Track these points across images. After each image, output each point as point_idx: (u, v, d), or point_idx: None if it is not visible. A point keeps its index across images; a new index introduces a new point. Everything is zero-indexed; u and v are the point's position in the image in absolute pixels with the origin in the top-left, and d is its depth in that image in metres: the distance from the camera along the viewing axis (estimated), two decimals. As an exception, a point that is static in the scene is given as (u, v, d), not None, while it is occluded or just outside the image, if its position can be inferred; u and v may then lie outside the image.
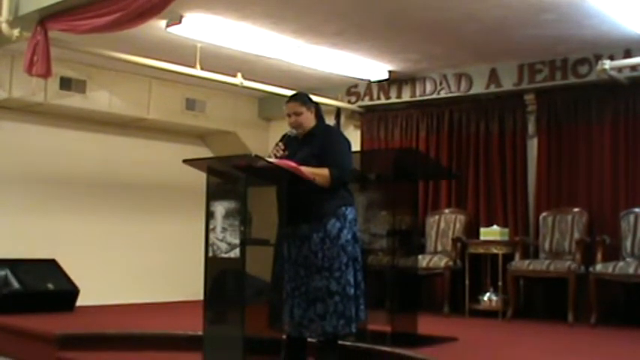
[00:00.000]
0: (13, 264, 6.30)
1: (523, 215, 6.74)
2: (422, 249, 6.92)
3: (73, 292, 6.43)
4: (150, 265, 7.61)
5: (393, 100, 7.45)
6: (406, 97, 7.36)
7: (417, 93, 7.28)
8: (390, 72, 7.12)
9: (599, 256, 5.97)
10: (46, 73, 5.22)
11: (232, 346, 3.72)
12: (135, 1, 4.68)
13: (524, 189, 6.77)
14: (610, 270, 5.76)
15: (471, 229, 6.85)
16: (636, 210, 6.08)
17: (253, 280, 3.90)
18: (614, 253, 6.04)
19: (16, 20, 5.20)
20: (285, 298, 3.91)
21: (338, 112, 7.74)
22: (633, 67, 5.97)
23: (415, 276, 5.30)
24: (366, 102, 7.64)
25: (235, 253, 3.77)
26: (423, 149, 7.23)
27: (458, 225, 6.92)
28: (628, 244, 6.03)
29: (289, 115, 4.07)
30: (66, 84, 6.81)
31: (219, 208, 3.88)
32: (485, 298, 6.49)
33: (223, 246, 3.83)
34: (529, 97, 6.73)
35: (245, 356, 3.67)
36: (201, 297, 3.98)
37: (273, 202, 3.94)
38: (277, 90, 6.98)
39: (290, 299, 3.91)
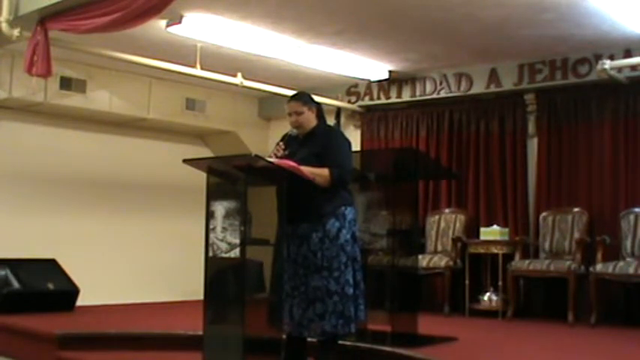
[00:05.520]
0: (13, 264, 6.29)
1: (523, 215, 6.74)
2: (422, 249, 6.92)
3: (73, 291, 6.43)
4: (150, 265, 7.61)
5: (393, 100, 7.45)
6: (406, 97, 7.36)
7: (417, 93, 7.28)
8: (390, 72, 7.11)
9: (599, 256, 5.97)
10: (46, 73, 5.22)
11: (232, 346, 3.72)
12: (135, 1, 4.68)
13: (524, 189, 6.77)
14: (610, 270, 5.76)
15: (471, 229, 6.85)
16: (636, 210, 6.08)
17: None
18: (614, 253, 6.04)
19: (16, 20, 5.20)
20: (285, 298, 3.91)
21: (338, 112, 7.75)
22: (633, 67, 5.97)
23: (415, 276, 5.30)
24: (366, 102, 7.65)
25: (235, 252, 3.77)
26: (423, 149, 7.22)
27: (458, 225, 6.92)
28: (628, 244, 6.03)
29: (290, 115, 4.07)
30: (66, 84, 6.81)
31: (219, 208, 3.88)
32: (486, 298, 6.49)
33: (223, 246, 3.83)
34: (529, 97, 6.73)
35: (245, 356, 3.67)
36: (201, 297, 3.97)
37: (273, 202, 3.94)
38: (277, 90, 6.99)
39: (289, 299, 3.91)
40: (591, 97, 6.46)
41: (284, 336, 4.02)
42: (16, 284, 6.17)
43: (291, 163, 3.81)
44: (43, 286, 6.31)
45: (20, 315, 5.73)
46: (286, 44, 6.16)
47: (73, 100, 6.90)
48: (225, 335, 3.86)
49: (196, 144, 8.40)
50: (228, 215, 3.83)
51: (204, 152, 8.23)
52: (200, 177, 4.07)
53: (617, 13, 5.23)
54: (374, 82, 7.38)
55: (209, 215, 3.92)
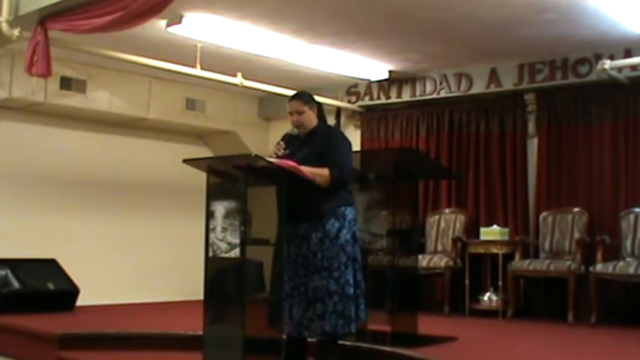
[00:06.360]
0: (13, 264, 6.30)
1: (523, 215, 6.73)
2: (422, 249, 6.92)
3: (73, 291, 6.43)
4: (150, 265, 7.61)
5: (393, 100, 7.45)
6: (406, 97, 7.36)
7: (417, 93, 7.28)
8: (390, 72, 7.11)
9: (599, 256, 5.97)
10: (47, 73, 5.22)
11: (232, 345, 3.72)
12: (135, 1, 4.68)
13: (524, 189, 6.77)
14: (610, 270, 5.76)
15: (471, 229, 6.85)
16: (636, 210, 6.08)
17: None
18: (614, 253, 6.04)
19: (16, 20, 5.20)
20: (285, 298, 3.91)
21: (338, 112, 7.75)
22: (633, 67, 5.97)
23: (415, 276, 5.30)
24: (366, 102, 7.64)
25: (235, 252, 3.77)
26: (423, 149, 7.22)
27: (458, 225, 6.92)
28: (628, 244, 6.02)
29: (291, 114, 4.08)
30: (66, 84, 6.81)
31: (219, 207, 3.88)
32: (486, 298, 6.49)
33: (223, 246, 3.83)
34: (529, 97, 6.73)
35: (245, 356, 3.67)
36: (201, 297, 3.97)
37: (273, 201, 3.94)
38: (277, 90, 6.99)
39: (289, 299, 3.91)
40: (591, 97, 6.46)
41: (284, 336, 4.02)
42: (16, 284, 6.17)
43: (291, 163, 3.81)
44: (43, 286, 6.31)
45: (20, 315, 5.73)
46: (286, 44, 6.16)
47: (73, 100, 6.90)
48: (225, 335, 3.86)
49: (196, 144, 8.40)
50: (228, 215, 3.83)
51: (204, 152, 8.23)
52: (200, 177, 4.07)
53: (617, 13, 5.23)
54: (374, 82, 7.38)
55: (209, 215, 3.92)
